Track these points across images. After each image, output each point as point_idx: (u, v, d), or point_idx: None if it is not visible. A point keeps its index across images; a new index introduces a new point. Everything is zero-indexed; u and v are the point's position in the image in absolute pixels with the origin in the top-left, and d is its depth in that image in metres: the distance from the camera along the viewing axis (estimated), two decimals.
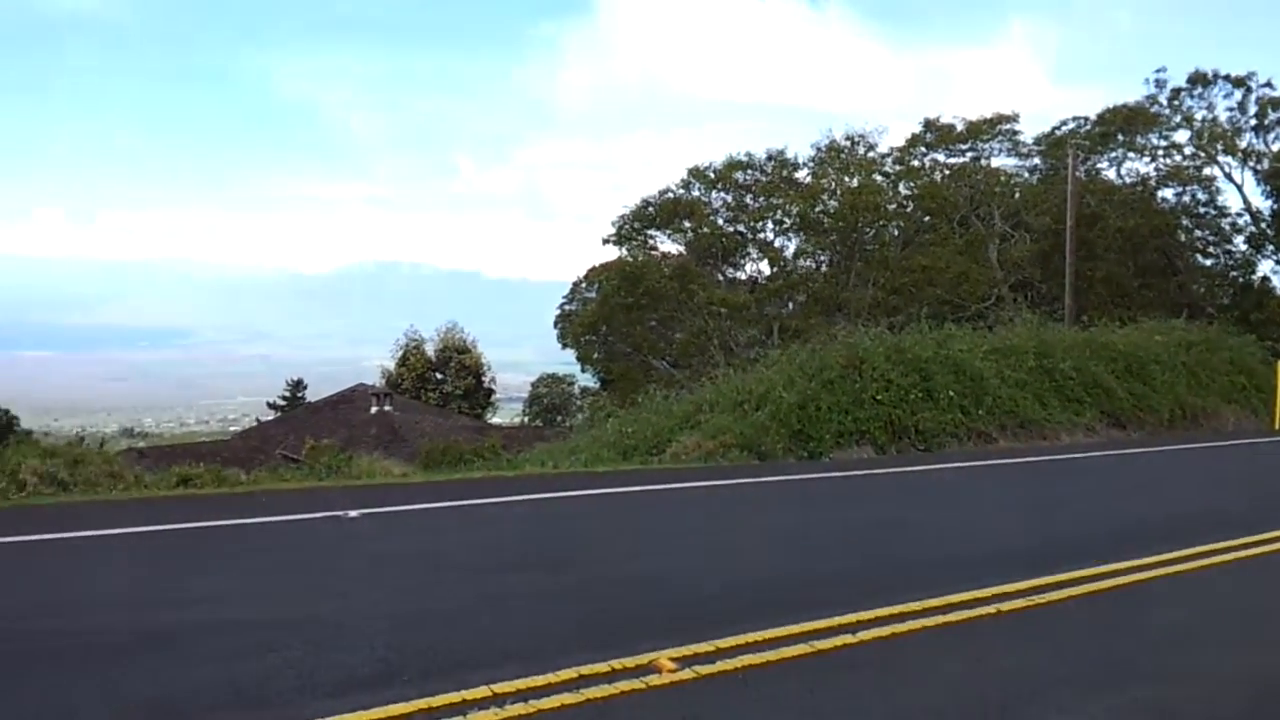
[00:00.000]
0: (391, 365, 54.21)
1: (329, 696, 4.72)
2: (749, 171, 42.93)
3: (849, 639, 5.80)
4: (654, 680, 5.06)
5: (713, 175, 42.81)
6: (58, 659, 5.21)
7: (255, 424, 52.58)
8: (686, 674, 5.16)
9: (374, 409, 40.80)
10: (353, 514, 9.64)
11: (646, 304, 41.50)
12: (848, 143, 44.09)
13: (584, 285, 50.00)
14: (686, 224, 42.99)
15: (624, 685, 4.96)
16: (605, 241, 44.54)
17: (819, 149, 43.79)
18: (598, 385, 50.90)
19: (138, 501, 10.47)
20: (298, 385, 61.71)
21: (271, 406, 61.96)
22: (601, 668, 5.17)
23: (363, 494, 11.14)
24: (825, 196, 42.64)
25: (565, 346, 49.42)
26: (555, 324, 51.06)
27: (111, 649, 5.40)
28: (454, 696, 4.73)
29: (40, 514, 9.57)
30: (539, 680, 4.96)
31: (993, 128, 43.25)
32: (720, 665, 5.29)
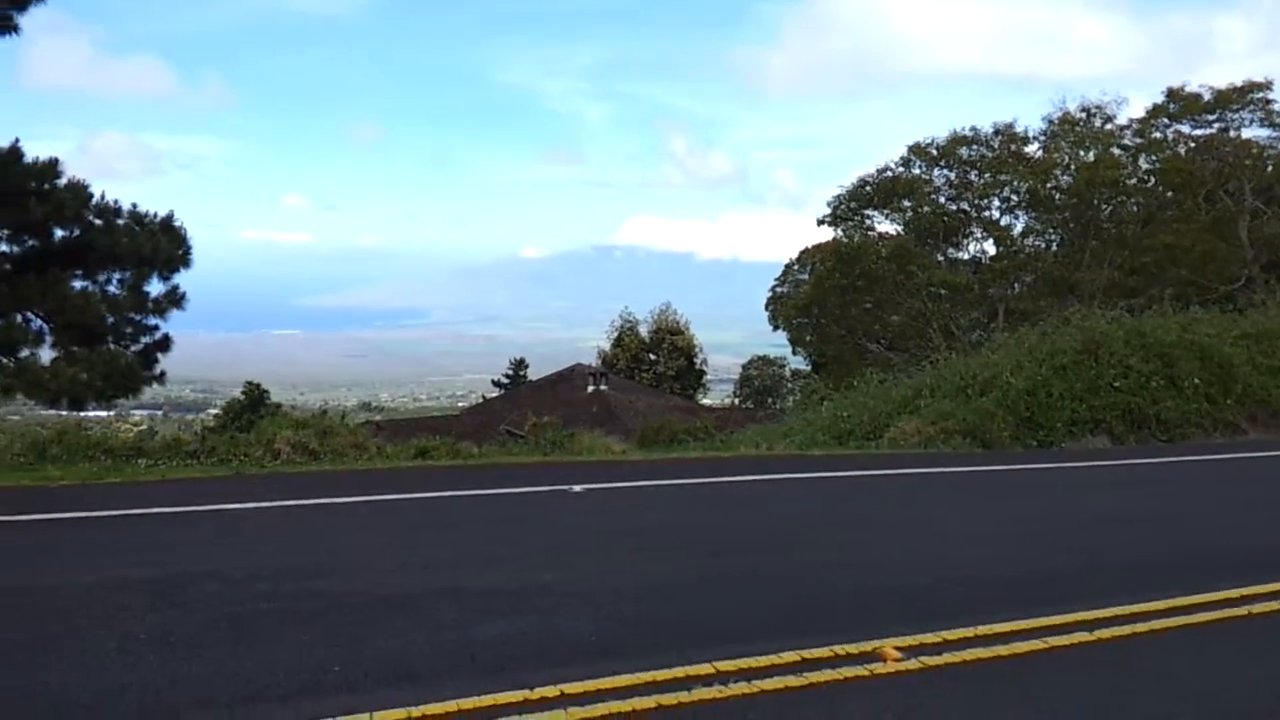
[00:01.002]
0: (607, 346, 55.47)
1: (559, 665, 4.88)
2: (974, 147, 41.05)
3: (1085, 636, 5.56)
4: (878, 669, 4.99)
5: (935, 152, 41.19)
6: (309, 618, 5.60)
7: (481, 400, 54.99)
8: (912, 664, 5.06)
9: (590, 388, 41.88)
10: (577, 489, 9.94)
11: (862, 285, 40.52)
12: (1082, 114, 41.51)
13: (796, 267, 49.47)
14: (906, 203, 41.61)
15: (847, 671, 4.92)
16: (820, 222, 43.76)
17: (1051, 121, 41.40)
18: (809, 368, 50.35)
19: (380, 471, 11.15)
20: (520, 364, 64.03)
21: (495, 384, 64.57)
22: (824, 653, 5.13)
23: (585, 470, 11.44)
24: (1058, 171, 40.33)
25: (776, 329, 49.05)
26: (766, 306, 50.79)
27: (356, 610, 5.76)
28: (678, 671, 4.80)
29: (294, 481, 10.33)
30: (761, 661, 4.98)
31: (1243, 96, 39.70)
32: (947, 657, 5.17)
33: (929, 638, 5.41)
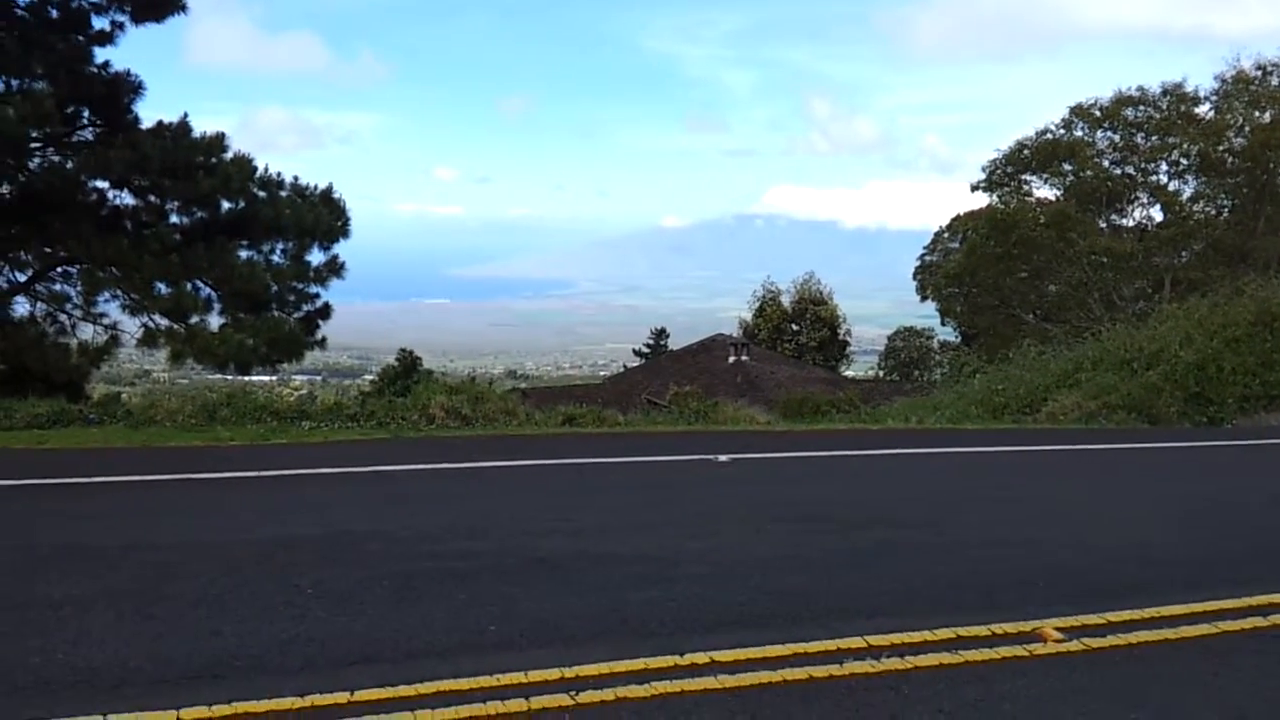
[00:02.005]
0: (749, 316, 55.11)
1: (707, 632, 4.88)
2: (1140, 108, 38.97)
3: (1259, 622, 5.30)
4: (1037, 649, 4.83)
5: (1098, 113, 39.29)
6: (465, 578, 5.74)
7: (622, 369, 55.46)
8: (1074, 645, 4.88)
9: (731, 358, 41.68)
10: (723, 458, 9.93)
11: (1018, 253, 39.07)
12: (1258, 72, 38.87)
13: (947, 235, 48.08)
14: (1066, 167, 39.87)
15: (1004, 651, 4.77)
16: (974, 188, 42.31)
17: (1223, 80, 38.91)
18: (959, 340, 48.99)
19: (530, 437, 11.38)
20: (661, 334, 64.30)
21: (637, 353, 65.03)
22: (980, 631, 4.99)
23: (730, 439, 11.43)
24: (1230, 134, 38.02)
25: (925, 299, 47.86)
26: (914, 275, 49.59)
27: (510, 572, 5.88)
28: (829, 644, 4.74)
29: (448, 445, 10.65)
30: (914, 637, 4.87)
31: None
32: (1111, 639, 4.97)
33: (1092, 619, 5.21)
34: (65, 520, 7.06)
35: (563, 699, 4.09)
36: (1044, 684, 4.44)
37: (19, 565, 5.83)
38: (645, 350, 63.49)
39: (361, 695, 4.06)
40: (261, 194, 18.48)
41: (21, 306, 18.98)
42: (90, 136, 17.99)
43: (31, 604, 5.11)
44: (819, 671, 4.44)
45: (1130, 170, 39.91)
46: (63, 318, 18.95)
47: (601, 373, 78.14)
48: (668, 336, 63.68)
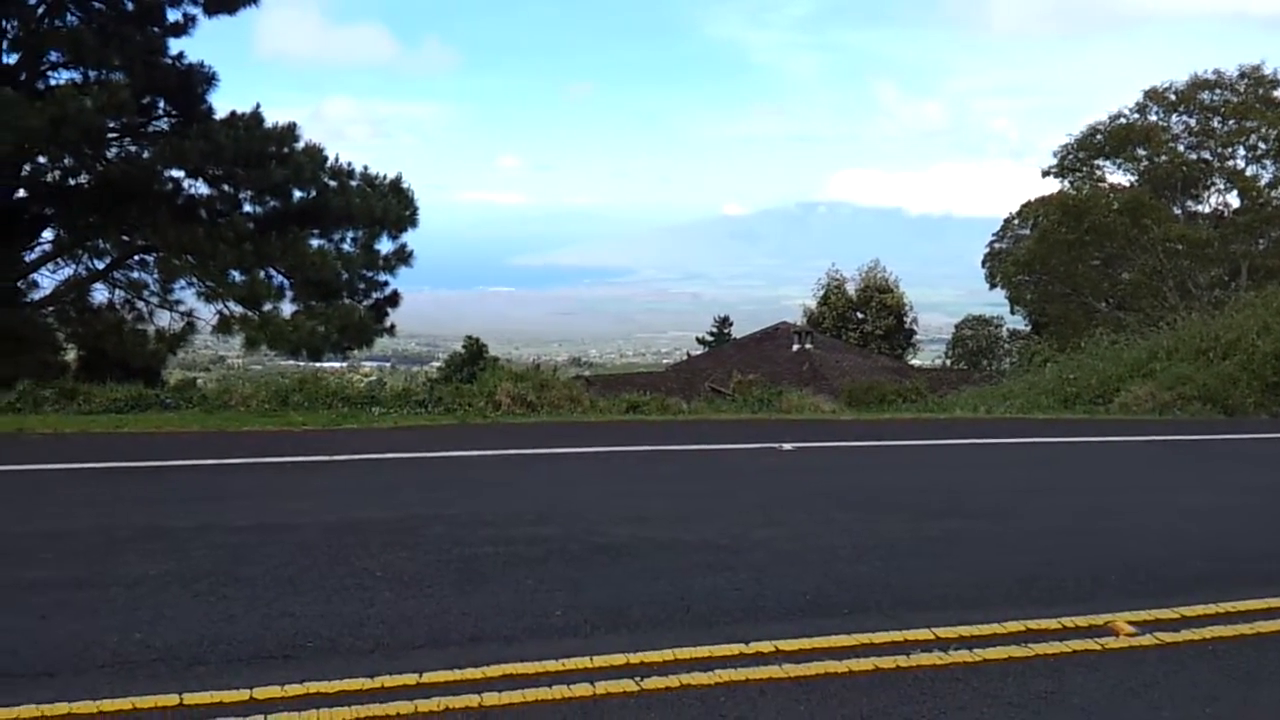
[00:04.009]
0: (813, 304, 54.70)
1: (771, 620, 4.87)
2: (1217, 91, 37.98)
3: None
4: (1110, 643, 4.74)
5: (1174, 97, 38.37)
6: (532, 563, 5.79)
7: (685, 357, 55.40)
8: (1146, 640, 4.79)
9: (795, 347, 41.47)
10: (788, 446, 9.87)
11: (1090, 240, 38.27)
12: None
13: (1017, 221, 47.18)
14: (1140, 152, 38.96)
15: (1076, 644, 4.70)
16: (1045, 174, 41.56)
17: None
18: (1029, 328, 48.11)
19: (594, 424, 11.43)
20: (724, 322, 64.16)
21: (700, 341, 64.97)
22: (1051, 624, 4.92)
23: (795, 428, 11.37)
24: None
25: (994, 287, 47.03)
26: (983, 263, 48.70)
27: (576, 557, 5.92)
28: (895, 635, 4.70)
29: (515, 431, 10.74)
30: (983, 629, 4.81)
31: None
32: (1186, 634, 4.87)
33: (1166, 613, 5.11)
34: (142, 502, 7.24)
35: (628, 685, 4.10)
36: (1116, 679, 4.37)
37: (98, 546, 6.00)
38: (709, 338, 63.37)
39: (430, 677, 4.12)
40: (332, 183, 18.77)
41: (100, 293, 19.52)
42: (165, 126, 18.40)
43: (109, 584, 5.26)
44: (885, 662, 4.41)
45: (1206, 155, 38.92)
46: (140, 305, 19.43)
47: (665, 361, 78.12)
48: (731, 325, 63.51)
